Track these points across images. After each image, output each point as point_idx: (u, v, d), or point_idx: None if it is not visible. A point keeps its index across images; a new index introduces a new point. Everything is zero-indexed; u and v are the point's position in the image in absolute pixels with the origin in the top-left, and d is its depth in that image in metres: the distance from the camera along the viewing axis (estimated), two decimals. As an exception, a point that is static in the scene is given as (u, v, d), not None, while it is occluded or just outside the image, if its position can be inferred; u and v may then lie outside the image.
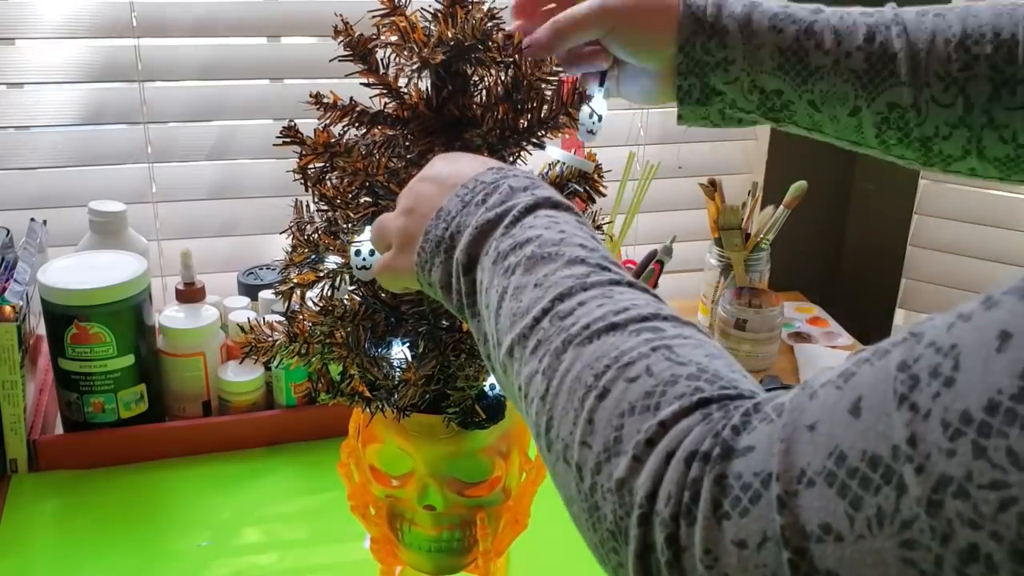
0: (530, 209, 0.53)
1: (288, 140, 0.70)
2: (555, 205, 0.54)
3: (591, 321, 0.45)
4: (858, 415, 0.33)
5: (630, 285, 0.48)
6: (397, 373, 0.73)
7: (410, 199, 0.59)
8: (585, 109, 0.72)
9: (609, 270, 0.49)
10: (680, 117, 0.74)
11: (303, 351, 0.73)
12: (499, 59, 0.69)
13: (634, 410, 0.41)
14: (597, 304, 0.46)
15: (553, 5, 0.74)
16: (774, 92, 0.70)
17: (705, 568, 0.36)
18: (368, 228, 0.70)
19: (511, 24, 0.74)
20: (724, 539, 0.35)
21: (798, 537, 0.33)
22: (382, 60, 0.70)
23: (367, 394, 0.74)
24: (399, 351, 0.73)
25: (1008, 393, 0.28)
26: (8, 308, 0.99)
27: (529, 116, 0.70)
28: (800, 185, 1.34)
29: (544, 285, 0.48)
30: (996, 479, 0.28)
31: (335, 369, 0.76)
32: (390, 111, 0.70)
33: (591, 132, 0.74)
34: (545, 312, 0.47)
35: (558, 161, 0.72)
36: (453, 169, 0.58)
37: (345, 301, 0.72)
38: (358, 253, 0.69)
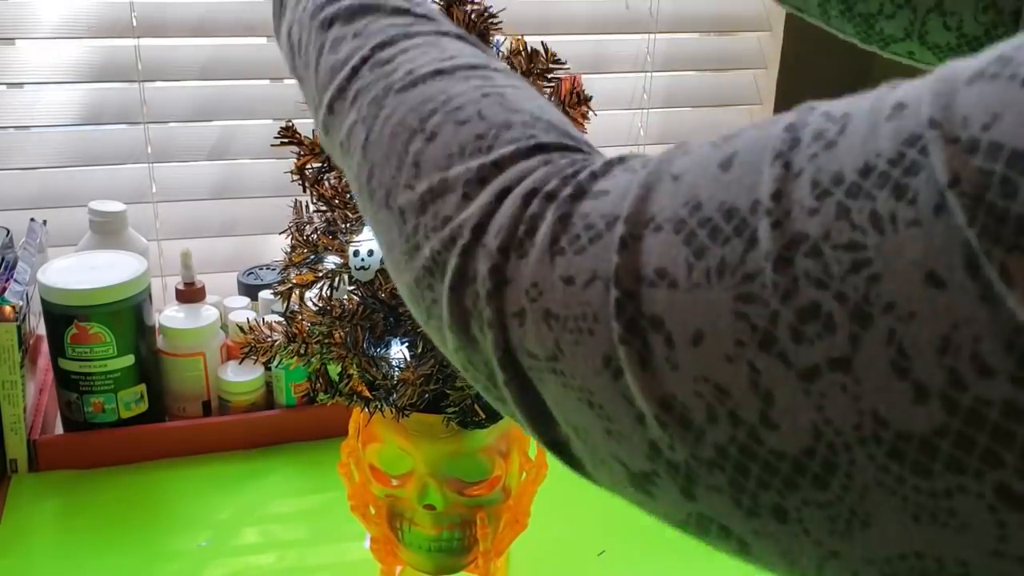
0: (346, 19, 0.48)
1: (286, 141, 0.70)
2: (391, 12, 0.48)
3: (415, 67, 0.42)
4: (728, 169, 0.30)
5: (458, 37, 0.45)
6: (396, 373, 0.73)
7: None
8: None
9: (435, 20, 0.46)
10: None
11: (302, 351, 0.73)
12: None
13: (464, 152, 0.38)
14: (421, 52, 0.43)
15: None
16: None
17: (529, 301, 0.34)
18: (367, 228, 0.70)
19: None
20: (553, 274, 0.33)
21: (631, 279, 0.31)
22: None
23: (366, 394, 0.74)
24: (398, 351, 0.73)
25: (886, 157, 0.26)
26: (8, 308, 0.99)
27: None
28: None
29: (364, 35, 0.45)
30: (854, 240, 0.26)
31: (334, 369, 0.76)
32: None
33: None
34: (364, 60, 0.44)
35: None
36: None
37: (344, 301, 0.72)
38: (356, 253, 0.69)
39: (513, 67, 0.70)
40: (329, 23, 0.47)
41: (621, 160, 0.35)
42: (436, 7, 0.47)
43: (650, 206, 0.31)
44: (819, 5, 0.68)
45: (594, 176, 0.35)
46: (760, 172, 0.29)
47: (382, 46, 0.44)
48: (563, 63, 0.71)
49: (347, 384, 0.75)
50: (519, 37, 0.71)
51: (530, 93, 0.42)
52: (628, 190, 0.33)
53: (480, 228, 0.36)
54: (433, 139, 0.39)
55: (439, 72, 0.41)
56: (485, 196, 0.36)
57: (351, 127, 0.43)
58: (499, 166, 0.37)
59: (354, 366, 0.73)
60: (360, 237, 0.69)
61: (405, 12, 0.46)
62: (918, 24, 0.64)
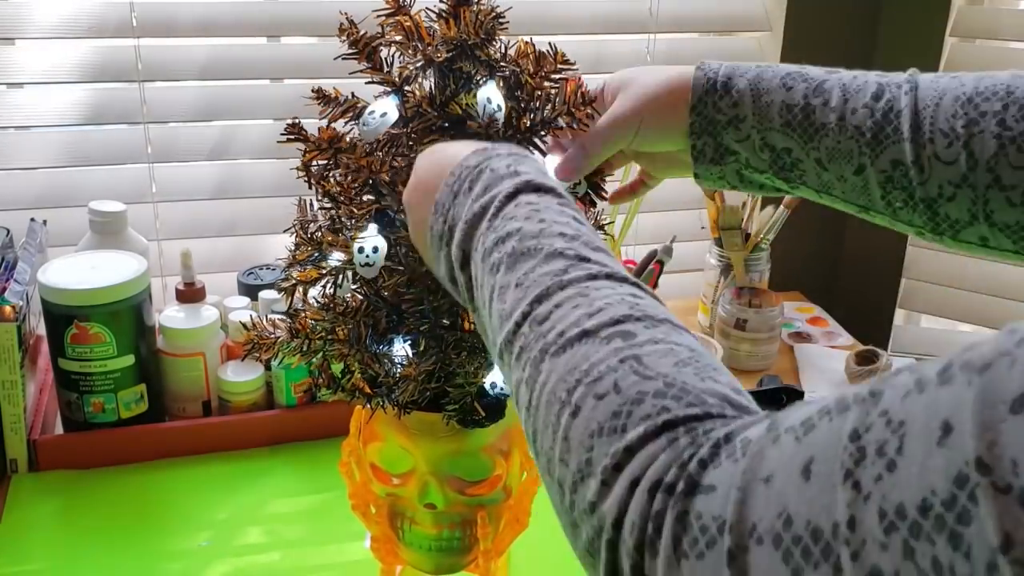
0: (511, 197, 0.53)
1: (292, 137, 0.70)
2: (537, 188, 0.54)
3: (566, 327, 0.46)
4: (808, 478, 0.34)
5: (608, 277, 0.49)
6: (398, 370, 0.73)
7: (411, 192, 0.61)
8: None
9: (588, 260, 0.49)
10: (696, 176, 0.75)
11: (305, 348, 0.73)
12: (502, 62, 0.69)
13: (602, 431, 0.42)
14: (572, 306, 0.47)
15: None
16: (784, 150, 0.69)
17: None
18: (372, 226, 0.70)
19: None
20: None
21: None
22: (386, 59, 0.70)
23: (368, 390, 0.74)
24: (400, 348, 0.73)
25: (940, 497, 0.29)
26: (8, 308, 0.99)
27: (531, 116, 0.70)
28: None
29: (524, 285, 0.49)
30: None
31: (337, 365, 0.76)
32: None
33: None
34: (525, 316, 0.48)
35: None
36: (440, 155, 0.60)
37: (347, 298, 0.72)
38: (361, 250, 0.69)
39: (520, 69, 0.70)
40: (496, 268, 0.51)
41: (727, 439, 0.39)
42: (590, 239, 0.52)
43: (749, 513, 0.35)
44: (882, 198, 0.68)
45: (703, 465, 0.38)
46: (835, 488, 0.32)
47: (539, 300, 0.48)
48: (572, 64, 0.71)
49: (349, 380, 0.75)
50: (527, 40, 0.71)
51: (670, 343, 0.45)
52: (730, 488, 0.36)
53: (618, 523, 0.40)
54: (577, 414, 0.43)
55: (584, 334, 0.45)
56: (619, 488, 0.40)
57: (517, 384, 0.48)
58: (631, 451, 0.40)
59: (356, 363, 0.73)
60: (365, 234, 0.69)
61: (560, 255, 0.50)
62: (981, 203, 0.63)
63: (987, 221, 0.64)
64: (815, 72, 0.70)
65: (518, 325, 0.48)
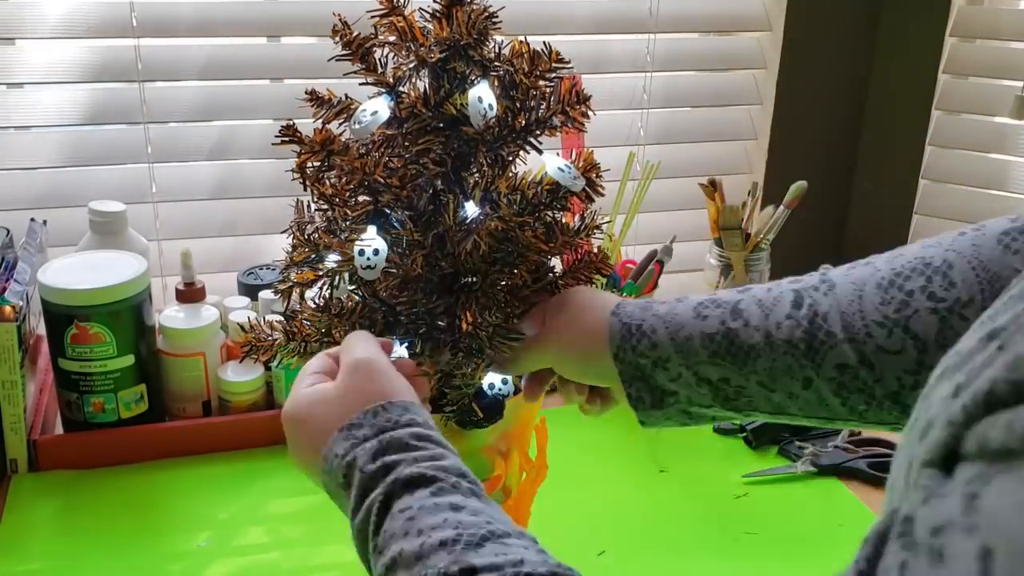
0: (384, 507, 0.55)
1: (286, 139, 0.70)
2: (407, 484, 0.56)
3: None
4: None
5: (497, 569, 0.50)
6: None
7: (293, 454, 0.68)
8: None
9: (475, 571, 0.50)
10: (642, 423, 0.71)
11: (302, 350, 0.73)
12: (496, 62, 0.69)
13: None
14: None
15: None
16: (721, 380, 0.66)
17: None
18: (371, 227, 0.70)
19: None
20: None
21: None
22: (380, 59, 0.70)
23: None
24: (399, 349, 0.73)
25: None
26: (8, 308, 0.99)
27: (527, 115, 0.70)
28: (800, 185, 1.33)
29: None
30: None
31: None
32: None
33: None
34: None
35: (559, 167, 0.72)
36: (310, 431, 0.65)
37: (343, 300, 0.72)
38: (362, 253, 0.69)
39: (515, 68, 0.70)
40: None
41: None
42: (475, 523, 0.53)
43: None
44: (843, 405, 0.64)
45: None
46: None
47: None
48: (567, 62, 0.71)
49: None
50: (521, 40, 0.71)
51: None
52: None
53: None
54: None
55: None
56: None
57: None
58: None
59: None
60: (365, 236, 0.69)
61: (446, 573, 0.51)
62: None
63: None
64: (726, 295, 0.68)
65: None
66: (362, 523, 0.57)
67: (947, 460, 0.32)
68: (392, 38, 0.69)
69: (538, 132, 0.70)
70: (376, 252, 0.69)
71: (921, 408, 0.37)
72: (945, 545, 0.28)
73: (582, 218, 0.75)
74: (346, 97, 0.72)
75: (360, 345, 0.65)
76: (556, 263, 0.77)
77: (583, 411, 0.78)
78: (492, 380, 0.75)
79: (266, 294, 1.17)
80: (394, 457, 0.57)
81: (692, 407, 0.68)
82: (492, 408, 0.75)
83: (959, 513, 0.28)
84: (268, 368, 1.13)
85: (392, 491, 0.55)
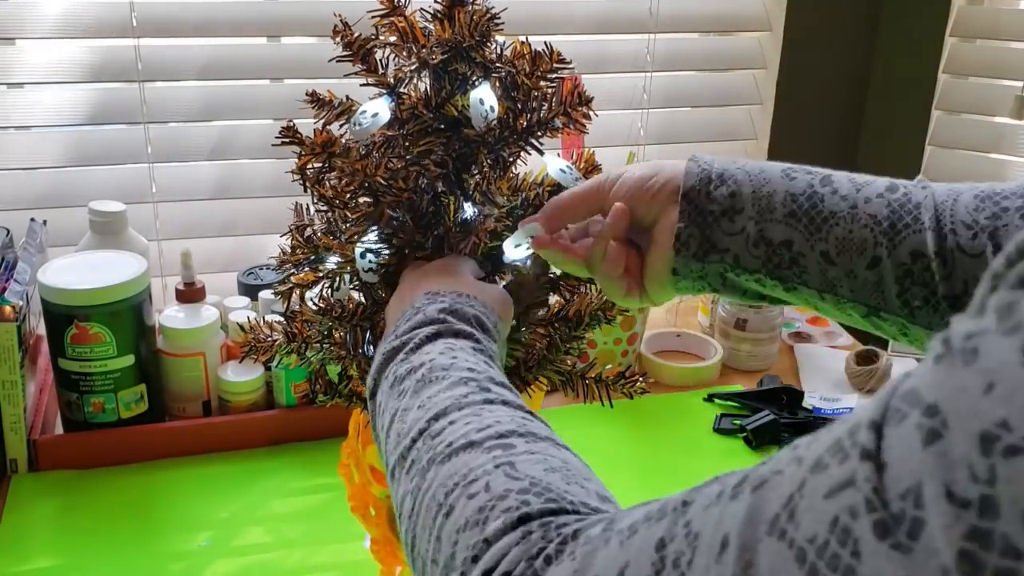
0: (431, 338, 0.58)
1: (287, 140, 0.70)
2: (456, 333, 0.59)
3: (455, 439, 0.49)
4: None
5: (504, 403, 0.52)
6: None
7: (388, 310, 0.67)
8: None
9: (489, 390, 0.53)
10: (674, 272, 0.65)
11: (302, 351, 0.73)
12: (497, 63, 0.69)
13: (467, 525, 0.45)
14: (465, 422, 0.50)
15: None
16: (783, 244, 0.63)
17: None
18: (372, 230, 0.70)
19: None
20: None
21: None
22: (381, 60, 0.70)
23: (366, 394, 0.74)
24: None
25: None
26: (8, 308, 0.99)
27: (528, 116, 0.70)
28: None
29: (426, 407, 0.53)
30: None
31: (333, 370, 0.76)
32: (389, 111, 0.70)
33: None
34: (421, 432, 0.52)
35: (560, 168, 0.72)
36: (407, 286, 0.67)
37: (343, 301, 0.72)
38: (364, 255, 0.69)
39: (516, 70, 0.69)
40: (403, 393, 0.55)
41: (575, 536, 0.41)
42: (495, 377, 0.56)
43: None
44: (898, 295, 0.62)
45: (548, 561, 0.41)
46: None
47: (436, 418, 0.52)
48: (568, 63, 0.71)
49: (347, 385, 0.75)
50: (523, 40, 0.71)
51: (547, 455, 0.48)
52: None
53: None
54: (450, 514, 0.46)
55: (470, 444, 0.49)
56: None
57: (403, 497, 0.51)
58: (488, 542, 0.43)
59: (354, 367, 0.73)
60: (367, 239, 0.69)
61: (464, 383, 0.54)
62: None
63: None
64: (818, 168, 0.65)
65: (413, 441, 0.52)
66: (400, 343, 0.59)
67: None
68: (393, 39, 0.69)
69: (540, 133, 0.70)
70: (378, 255, 0.69)
71: None
72: (979, 345, 0.28)
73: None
74: (347, 99, 0.72)
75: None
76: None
77: (621, 298, 0.71)
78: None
79: (266, 294, 1.17)
80: (455, 317, 0.61)
81: (735, 271, 0.64)
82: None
83: (994, 323, 0.28)
84: (268, 368, 1.13)
85: (442, 332, 0.59)
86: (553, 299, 0.77)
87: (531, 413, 0.53)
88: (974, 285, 0.57)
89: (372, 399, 0.59)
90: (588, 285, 0.76)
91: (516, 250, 0.69)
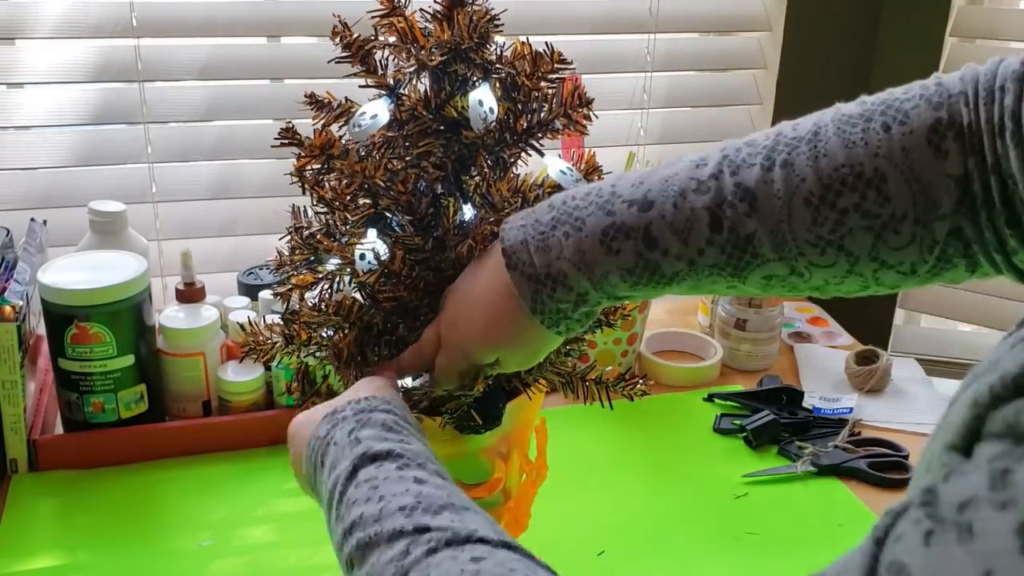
0: (351, 477, 0.58)
1: (286, 142, 0.70)
2: (374, 458, 0.58)
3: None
4: None
5: (448, 544, 0.51)
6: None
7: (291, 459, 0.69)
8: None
9: (429, 529, 0.52)
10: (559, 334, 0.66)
11: (301, 352, 0.73)
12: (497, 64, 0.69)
13: None
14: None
15: None
16: (643, 295, 0.64)
17: None
18: (371, 231, 0.70)
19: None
20: None
21: None
22: (381, 61, 0.70)
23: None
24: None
25: None
26: (8, 308, 0.99)
27: (528, 117, 0.70)
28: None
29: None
30: None
31: (323, 370, 0.76)
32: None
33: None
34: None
35: (561, 170, 0.72)
36: (304, 423, 0.66)
37: (341, 302, 0.72)
38: (363, 257, 0.69)
39: (516, 70, 0.69)
40: (350, 565, 0.56)
41: None
42: (433, 494, 0.55)
43: None
44: (763, 290, 0.63)
45: None
46: None
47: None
48: (569, 63, 0.70)
49: (324, 384, 0.75)
50: (524, 41, 0.71)
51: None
52: None
53: None
54: None
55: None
56: None
57: None
58: None
59: (353, 367, 0.73)
60: (366, 240, 0.69)
61: (400, 535, 0.53)
62: (872, 280, 0.60)
63: (877, 285, 0.60)
64: (628, 216, 0.61)
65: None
66: (329, 494, 0.59)
67: (968, 440, 0.31)
68: (392, 39, 0.69)
69: (540, 135, 0.70)
70: (377, 256, 0.69)
71: (948, 413, 0.37)
72: (974, 520, 0.28)
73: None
74: (346, 100, 0.72)
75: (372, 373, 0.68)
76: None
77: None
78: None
79: (266, 294, 1.17)
80: (367, 432, 0.60)
81: (610, 301, 0.65)
82: (491, 414, 0.75)
83: (986, 488, 0.28)
84: (268, 368, 1.13)
85: (359, 463, 0.58)
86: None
87: (482, 540, 0.51)
88: (834, 279, 0.59)
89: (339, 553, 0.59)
90: None
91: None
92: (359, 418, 0.61)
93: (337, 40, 0.69)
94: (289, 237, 0.75)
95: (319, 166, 0.70)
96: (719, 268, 0.60)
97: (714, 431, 1.16)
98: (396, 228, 0.71)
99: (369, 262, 0.68)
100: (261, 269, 1.27)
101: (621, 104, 1.50)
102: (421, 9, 0.70)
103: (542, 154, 0.72)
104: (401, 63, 0.70)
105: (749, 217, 0.59)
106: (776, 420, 1.14)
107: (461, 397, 0.72)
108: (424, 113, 0.68)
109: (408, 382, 0.73)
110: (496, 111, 0.68)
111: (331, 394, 0.75)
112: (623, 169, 1.31)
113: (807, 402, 1.20)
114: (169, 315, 1.12)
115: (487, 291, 0.65)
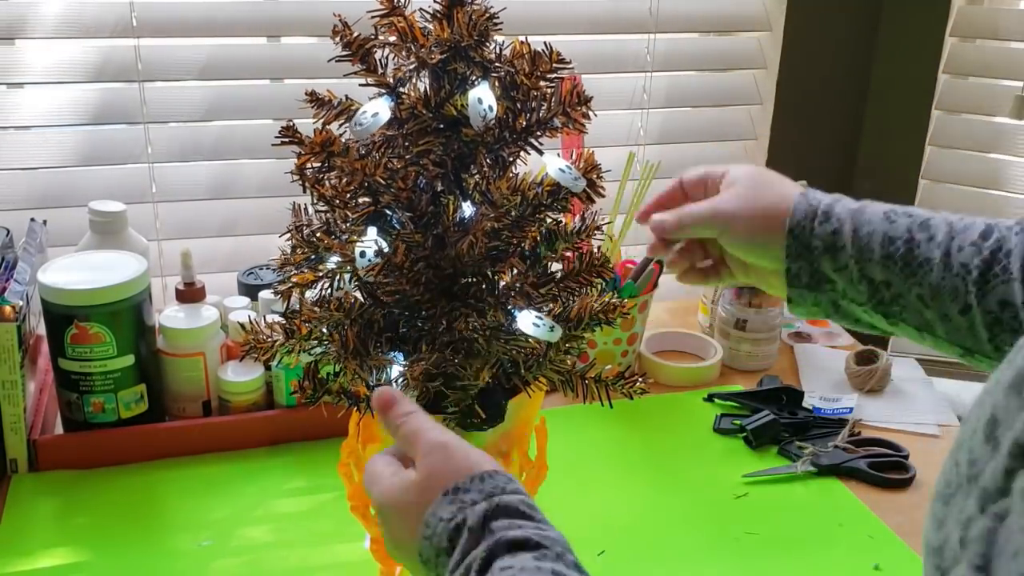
0: (486, 566, 0.53)
1: (286, 140, 0.70)
2: (509, 547, 0.54)
3: None
4: None
5: None
6: (392, 372, 0.73)
7: (388, 543, 0.63)
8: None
9: None
10: (790, 301, 0.73)
11: (302, 352, 0.73)
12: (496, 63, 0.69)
13: None
14: None
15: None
16: (883, 283, 0.68)
17: None
18: (371, 229, 0.70)
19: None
20: None
21: None
22: (380, 60, 0.70)
23: (365, 393, 0.74)
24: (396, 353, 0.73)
25: None
26: (8, 308, 0.99)
27: (527, 116, 0.70)
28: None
29: None
30: None
31: (326, 368, 0.76)
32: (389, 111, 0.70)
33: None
34: None
35: (560, 168, 0.72)
36: (411, 499, 0.60)
37: (342, 299, 0.72)
38: (363, 255, 0.69)
39: (516, 69, 0.70)
40: None
41: None
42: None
43: None
44: (990, 341, 0.65)
45: None
46: None
47: None
48: (568, 63, 0.71)
49: (335, 382, 0.75)
50: (522, 40, 0.71)
51: None
52: None
53: None
54: None
55: None
56: None
57: None
58: None
59: (354, 367, 0.73)
60: (366, 238, 0.69)
61: None
62: None
63: None
64: (919, 210, 0.69)
65: None
66: None
67: None
68: (392, 39, 0.69)
69: (539, 133, 0.70)
70: (377, 254, 0.69)
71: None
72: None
73: (583, 219, 0.75)
74: (346, 98, 0.72)
75: (423, 426, 0.62)
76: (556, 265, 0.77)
77: (680, 277, 0.82)
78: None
79: (266, 294, 1.17)
80: (502, 521, 0.56)
81: (844, 300, 0.70)
82: (494, 409, 0.75)
83: None
84: (268, 368, 1.13)
85: (495, 550, 0.54)
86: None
87: None
88: None
89: None
90: (587, 287, 0.76)
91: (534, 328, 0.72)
92: (491, 502, 0.57)
93: (337, 39, 0.69)
94: (291, 235, 0.75)
95: (320, 164, 0.70)
96: (968, 271, 0.65)
97: (714, 431, 1.16)
98: (396, 226, 0.71)
99: (369, 259, 0.68)
100: (261, 269, 1.27)
101: (621, 104, 1.50)
102: (421, 9, 0.71)
103: (541, 153, 0.72)
104: (401, 61, 0.70)
105: (1017, 236, 0.64)
106: (776, 420, 1.14)
107: (466, 388, 0.72)
108: (424, 111, 0.68)
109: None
110: (495, 109, 0.68)
111: (344, 393, 0.75)
112: (623, 170, 1.31)
113: (807, 402, 1.20)
114: (169, 315, 1.12)
115: (770, 203, 0.73)
